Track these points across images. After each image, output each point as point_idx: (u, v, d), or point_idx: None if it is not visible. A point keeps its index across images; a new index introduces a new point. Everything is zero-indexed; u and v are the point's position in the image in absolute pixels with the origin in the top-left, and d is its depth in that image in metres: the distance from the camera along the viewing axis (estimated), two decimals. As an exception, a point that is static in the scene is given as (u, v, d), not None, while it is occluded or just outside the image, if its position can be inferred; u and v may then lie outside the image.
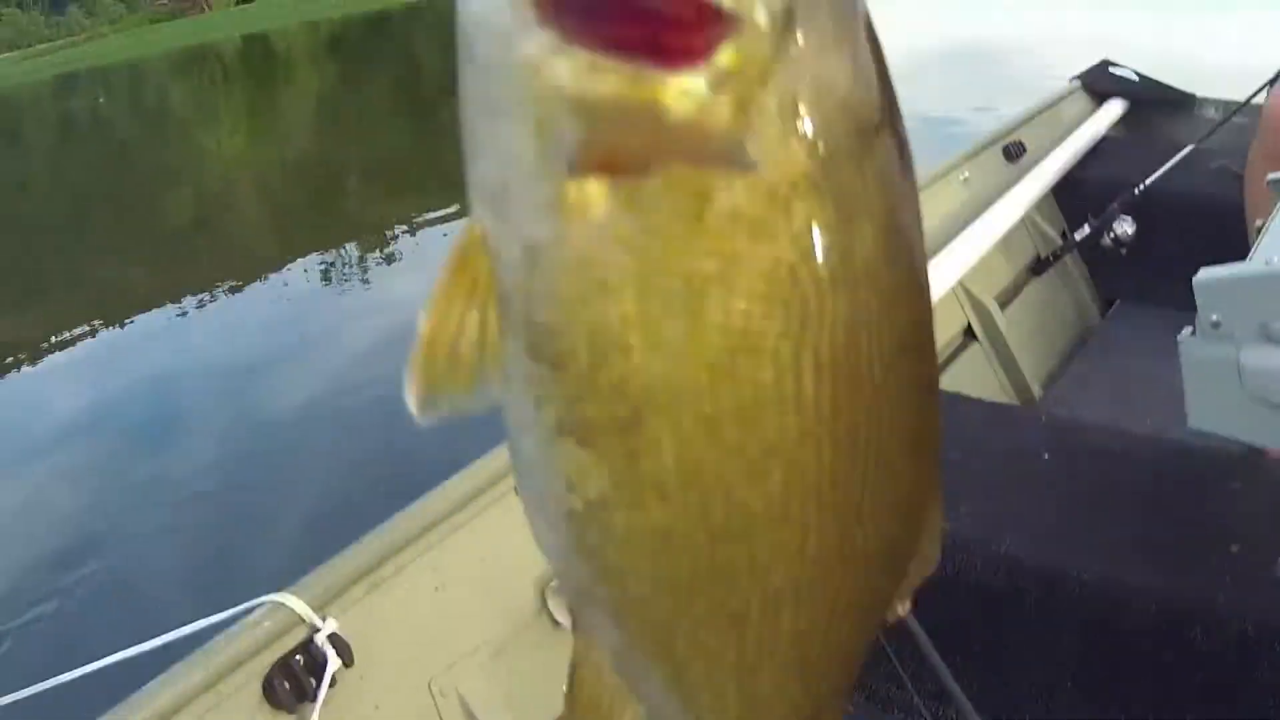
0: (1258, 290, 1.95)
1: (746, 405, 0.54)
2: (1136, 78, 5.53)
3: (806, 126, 0.51)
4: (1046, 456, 2.66)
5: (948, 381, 3.60)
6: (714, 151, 0.50)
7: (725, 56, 0.49)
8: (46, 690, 1.85)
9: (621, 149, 0.50)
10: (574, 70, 0.49)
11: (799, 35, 0.51)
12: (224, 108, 20.50)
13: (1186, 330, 2.05)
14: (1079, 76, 5.53)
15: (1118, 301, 4.49)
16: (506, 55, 0.50)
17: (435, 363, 0.55)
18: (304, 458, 5.62)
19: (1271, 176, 2.44)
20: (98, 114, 19.01)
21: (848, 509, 0.59)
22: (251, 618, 1.92)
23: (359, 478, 5.09)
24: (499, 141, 0.52)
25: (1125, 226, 3.98)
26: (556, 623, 2.36)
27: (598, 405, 0.54)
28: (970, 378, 3.84)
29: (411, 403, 0.55)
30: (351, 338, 7.24)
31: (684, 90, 0.49)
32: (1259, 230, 2.20)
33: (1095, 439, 2.71)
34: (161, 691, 1.81)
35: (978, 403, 3.00)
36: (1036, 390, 4.09)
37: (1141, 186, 4.06)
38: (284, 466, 5.56)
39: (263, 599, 1.95)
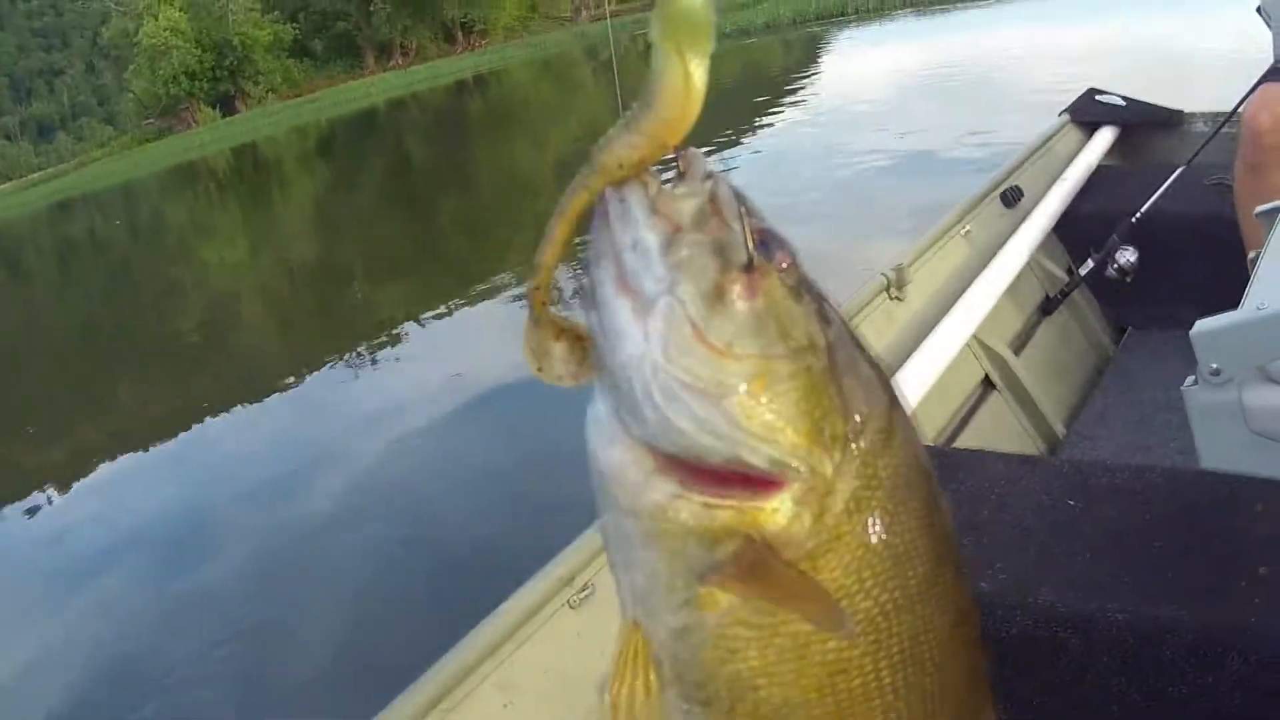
0: (1252, 336, 2.09)
1: (843, 707, 0.74)
2: (1123, 102, 5.58)
3: (867, 518, 0.72)
4: (1072, 503, 2.77)
5: (971, 435, 3.68)
6: (805, 552, 0.70)
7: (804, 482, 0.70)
8: None
9: (736, 580, 0.70)
10: (692, 511, 0.69)
11: (855, 444, 0.71)
12: (221, 219, 20.58)
13: (1189, 380, 2.19)
14: (1067, 110, 5.58)
15: (1129, 330, 4.49)
16: (637, 502, 0.70)
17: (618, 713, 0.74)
18: (337, 564, 5.62)
19: (1260, 209, 2.56)
20: (96, 238, 19.08)
21: None
22: None
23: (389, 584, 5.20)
24: (639, 562, 0.73)
25: (1128, 255, 4.02)
26: None
27: None
28: (993, 428, 3.89)
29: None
30: (371, 437, 7.26)
31: (774, 511, 0.69)
32: (1252, 263, 2.34)
33: (1117, 480, 2.81)
34: None
35: (1000, 456, 3.08)
36: (1059, 429, 4.13)
37: (1139, 214, 4.11)
38: (313, 578, 5.57)
39: None
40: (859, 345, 0.77)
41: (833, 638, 0.71)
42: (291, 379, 9.43)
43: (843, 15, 33.93)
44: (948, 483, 2.95)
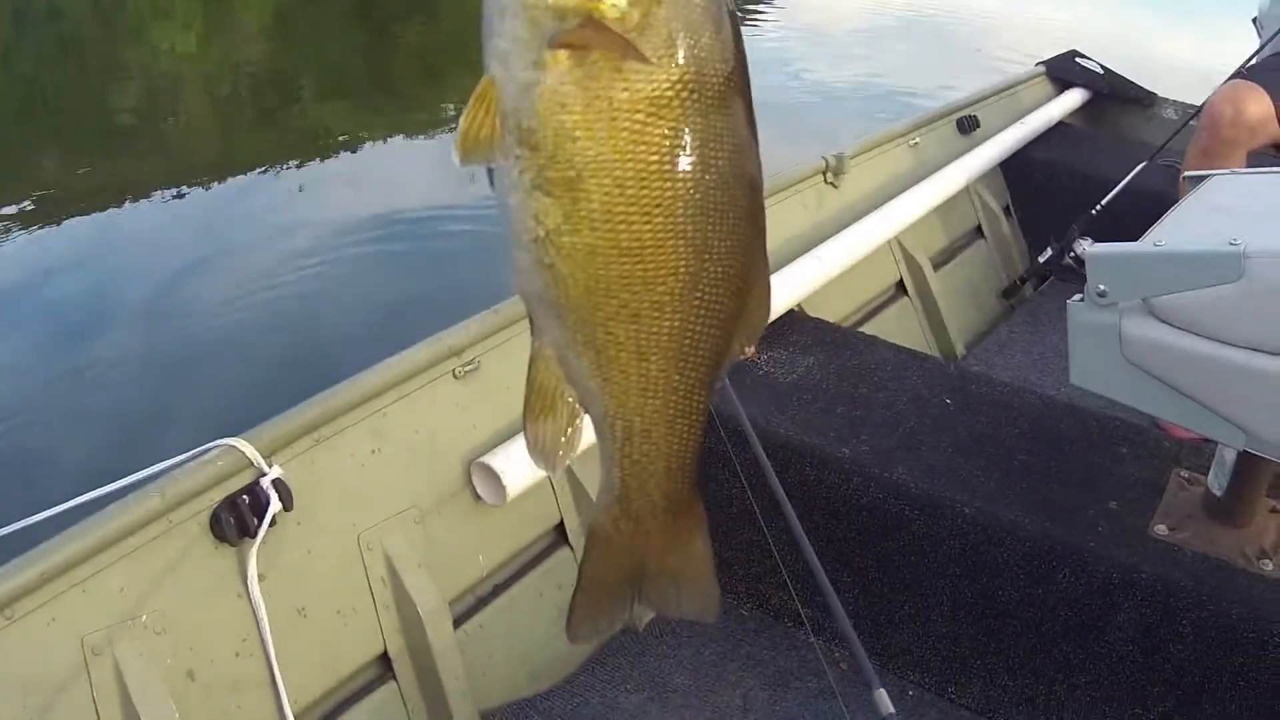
0: (1142, 267, 2.13)
1: (642, 175, 0.94)
2: (1101, 71, 5.63)
3: (681, 50, 0.93)
4: (949, 402, 2.85)
5: (874, 329, 3.75)
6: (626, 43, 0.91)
7: None
8: (14, 532, 1.95)
9: (578, 38, 0.90)
10: None
11: None
12: (179, 4, 20.02)
13: (1076, 297, 2.23)
14: (1044, 62, 5.63)
15: (1052, 278, 4.60)
16: None
17: (466, 143, 0.94)
18: (224, 346, 5.80)
19: (1188, 173, 2.62)
20: (53, 3, 18.50)
21: (703, 247, 0.99)
22: (205, 458, 2.08)
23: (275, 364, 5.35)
24: (506, 28, 0.92)
25: (1085, 245, 3.98)
26: (478, 497, 2.53)
27: (556, 170, 0.94)
28: (896, 329, 3.98)
29: (455, 159, 0.94)
30: (283, 241, 7.36)
31: (612, 5, 0.90)
32: None
33: (999, 393, 2.90)
34: (117, 515, 1.97)
35: (896, 347, 3.16)
36: (959, 349, 4.25)
37: (1099, 207, 4.16)
38: (204, 353, 5.74)
39: (216, 442, 2.11)
40: None
41: (635, 112, 0.92)
42: (217, 177, 9.27)
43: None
44: (837, 357, 3.03)
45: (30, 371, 5.59)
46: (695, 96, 0.94)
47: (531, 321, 1.06)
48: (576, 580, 1.21)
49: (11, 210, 8.71)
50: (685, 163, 0.95)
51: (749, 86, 0.99)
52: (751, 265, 1.04)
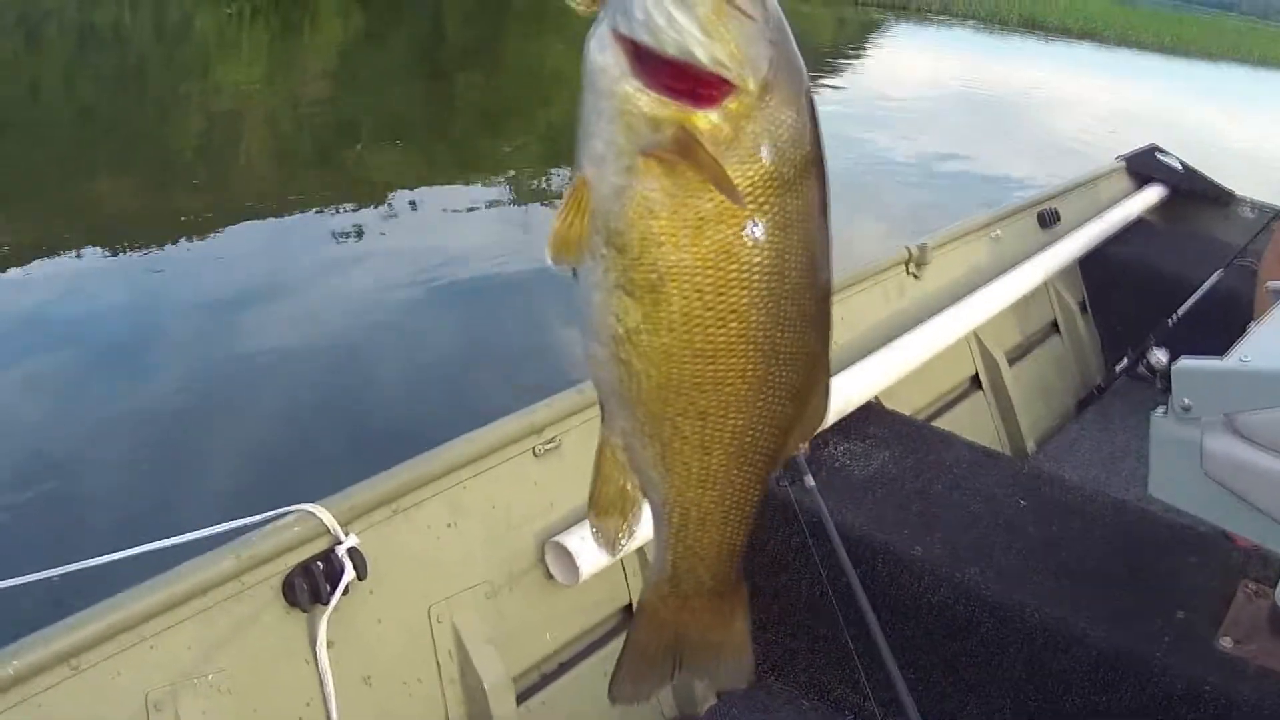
0: (1228, 384, 2.13)
1: (720, 283, 0.98)
2: (1181, 167, 5.64)
3: (767, 166, 0.96)
4: (1023, 503, 2.85)
5: (948, 423, 3.76)
6: (719, 153, 0.95)
7: (730, 104, 0.94)
8: (99, 567, 1.97)
9: (670, 154, 0.94)
10: (648, 103, 0.94)
11: (770, 98, 0.96)
12: (245, 42, 20.27)
13: (1160, 410, 2.23)
14: (1125, 157, 5.64)
15: (1124, 375, 4.59)
16: (613, 88, 0.95)
17: (558, 242, 0.98)
18: (264, 396, 5.75)
19: (1272, 284, 2.61)
20: (120, 30, 18.74)
21: (772, 352, 1.03)
22: (283, 522, 2.09)
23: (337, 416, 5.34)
24: (603, 131, 0.96)
25: (1160, 356, 4.12)
26: (549, 576, 2.53)
27: (640, 273, 0.98)
28: (970, 423, 3.98)
29: (548, 258, 0.98)
30: (346, 288, 7.35)
31: (705, 118, 0.94)
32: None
33: (1071, 496, 2.89)
34: (190, 574, 1.97)
35: (970, 445, 3.17)
36: (1030, 445, 4.24)
37: (1175, 317, 4.18)
38: (236, 402, 5.68)
39: (294, 507, 2.11)
40: (794, 41, 0.99)
41: (721, 223, 0.96)
42: (271, 214, 9.32)
43: (904, 9, 33.70)
44: (913, 452, 3.04)
45: (89, 411, 5.55)
46: (777, 211, 0.98)
47: (602, 409, 1.10)
48: (623, 647, 1.27)
49: (69, 238, 8.76)
50: (762, 274, 0.99)
51: (828, 193, 1.02)
52: (814, 370, 1.09)
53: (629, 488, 1.13)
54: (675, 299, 0.99)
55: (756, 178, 0.96)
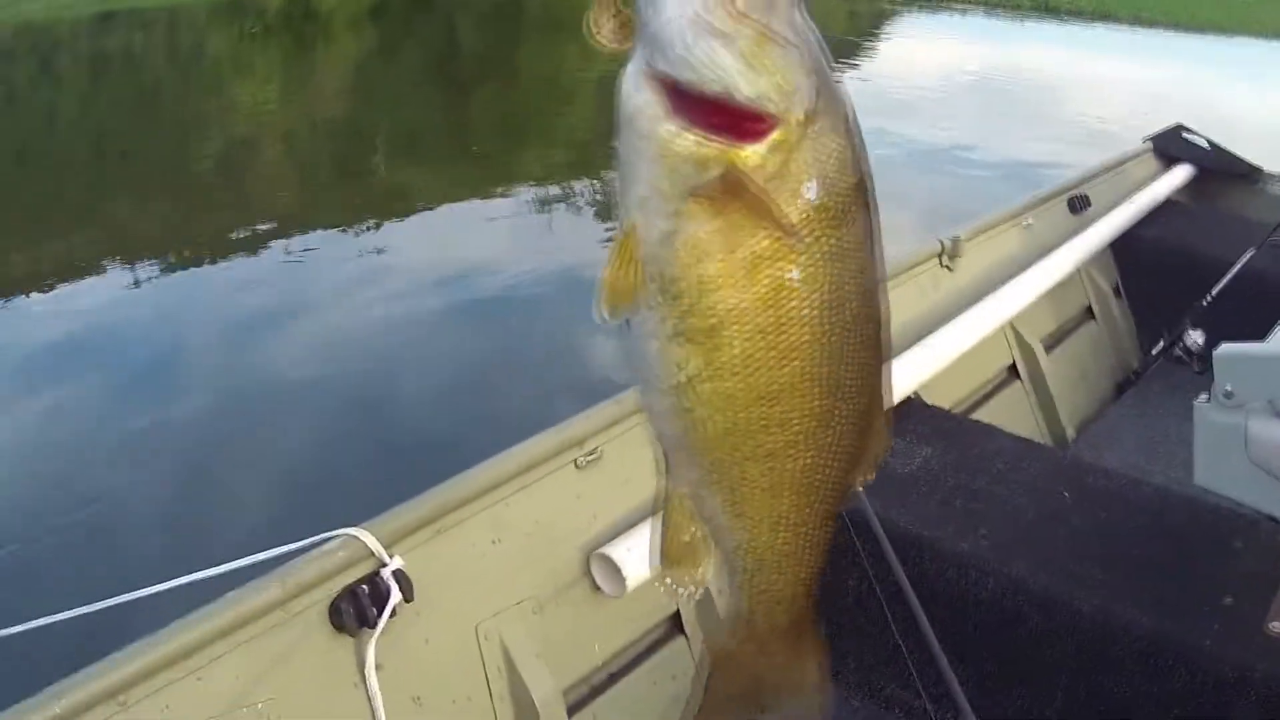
0: (1270, 369, 2.12)
1: (780, 322, 0.95)
2: (1208, 146, 5.61)
3: (819, 196, 0.93)
4: (1066, 495, 2.84)
5: (987, 414, 3.76)
6: (768, 189, 0.92)
7: (776, 137, 0.91)
8: (144, 599, 1.97)
9: (718, 196, 0.92)
10: (691, 144, 0.91)
11: (815, 126, 0.92)
12: (259, 62, 20.34)
13: (1203, 396, 2.21)
14: (1151, 138, 5.62)
15: (1161, 359, 4.57)
16: (653, 130, 0.92)
17: (611, 296, 0.95)
18: (297, 417, 5.76)
19: None
20: (133, 56, 18.83)
21: (835, 387, 1.00)
22: (327, 547, 2.09)
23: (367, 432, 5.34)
24: (646, 175, 0.93)
25: (1195, 337, 4.08)
26: (596, 588, 2.53)
27: (697, 319, 0.95)
28: (1009, 414, 3.97)
29: (598, 313, 0.96)
30: (372, 305, 7.36)
31: (752, 154, 0.91)
32: None
33: (1114, 485, 2.88)
34: (235, 604, 1.98)
35: (1011, 437, 3.17)
36: (1070, 433, 4.24)
37: (1209, 298, 4.17)
38: (270, 425, 5.68)
39: (338, 532, 2.11)
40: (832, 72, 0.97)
41: (777, 260, 0.93)
42: (292, 232, 9.32)
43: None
44: (955, 447, 3.03)
45: (122, 439, 5.56)
46: (831, 241, 0.95)
47: (665, 458, 1.08)
48: (704, 694, 1.28)
49: (93, 264, 8.79)
50: (821, 308, 0.97)
51: (878, 217, 1.00)
52: (875, 398, 1.07)
53: (699, 536, 1.11)
54: (736, 342, 0.96)
55: (808, 209, 0.93)
